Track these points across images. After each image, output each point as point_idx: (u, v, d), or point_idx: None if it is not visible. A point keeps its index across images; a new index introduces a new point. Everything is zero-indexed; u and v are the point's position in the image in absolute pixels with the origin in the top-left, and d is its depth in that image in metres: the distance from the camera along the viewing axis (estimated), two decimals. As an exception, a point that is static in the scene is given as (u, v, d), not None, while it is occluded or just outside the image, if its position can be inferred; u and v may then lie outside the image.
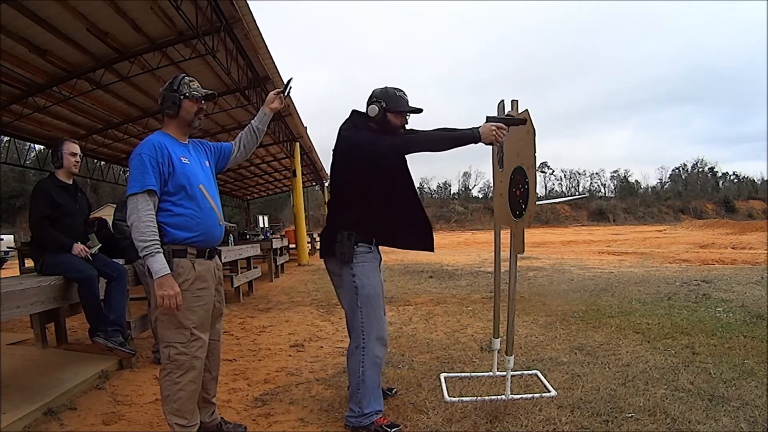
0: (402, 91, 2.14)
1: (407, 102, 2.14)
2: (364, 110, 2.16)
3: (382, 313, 2.15)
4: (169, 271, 1.75)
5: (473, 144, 1.96)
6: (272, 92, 2.13)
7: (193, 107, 1.93)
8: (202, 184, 1.91)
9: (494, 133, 1.94)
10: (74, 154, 2.85)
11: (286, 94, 2.10)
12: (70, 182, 2.88)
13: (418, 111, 2.17)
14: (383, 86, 2.15)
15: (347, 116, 2.23)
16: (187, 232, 1.84)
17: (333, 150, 2.21)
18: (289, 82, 2.11)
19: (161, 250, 1.75)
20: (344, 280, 2.13)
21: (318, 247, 19.74)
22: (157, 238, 1.75)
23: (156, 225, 1.76)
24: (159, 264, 1.73)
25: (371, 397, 2.08)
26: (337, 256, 2.08)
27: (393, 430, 2.05)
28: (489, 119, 1.99)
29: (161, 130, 1.95)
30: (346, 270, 2.10)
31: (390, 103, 2.09)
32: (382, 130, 2.11)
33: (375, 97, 2.12)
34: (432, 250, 2.23)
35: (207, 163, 2.03)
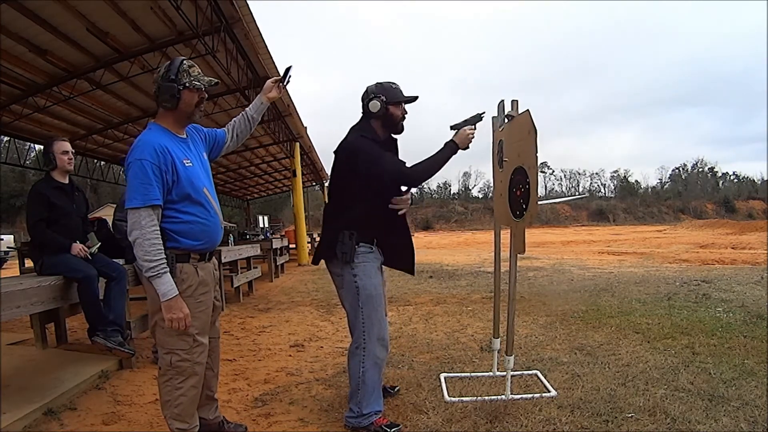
0: (395, 83, 2.17)
1: (402, 92, 2.17)
2: (360, 109, 2.18)
3: (384, 313, 2.15)
4: (178, 293, 1.68)
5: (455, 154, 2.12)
6: (270, 80, 2.00)
7: (194, 98, 1.77)
8: (206, 187, 1.83)
9: (470, 136, 2.10)
10: (66, 152, 2.79)
11: (285, 83, 1.98)
12: (66, 182, 2.85)
13: (414, 99, 2.19)
14: (375, 82, 2.16)
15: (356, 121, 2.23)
16: (193, 240, 1.77)
17: (335, 151, 2.19)
18: (288, 70, 1.97)
19: (168, 269, 1.67)
20: (345, 280, 2.12)
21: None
22: (164, 256, 1.66)
23: (161, 242, 1.66)
24: (167, 286, 1.65)
25: (371, 398, 2.08)
26: (338, 256, 2.07)
27: (392, 430, 2.05)
28: (453, 127, 2.15)
29: (157, 123, 1.78)
30: (347, 270, 2.09)
31: (389, 96, 2.12)
32: (386, 124, 2.15)
33: (372, 93, 2.12)
34: (413, 273, 2.29)
35: (205, 155, 1.93)
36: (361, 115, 2.20)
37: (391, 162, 2.08)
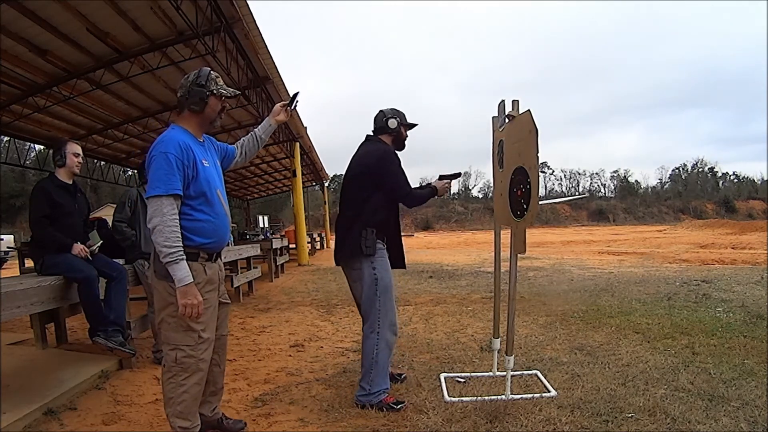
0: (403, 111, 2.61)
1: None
2: (372, 123, 2.55)
3: (394, 302, 2.42)
4: (192, 280, 1.72)
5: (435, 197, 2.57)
6: (278, 104, 2.15)
7: (218, 105, 1.90)
8: (219, 189, 1.90)
9: (446, 187, 2.57)
10: (77, 155, 2.84)
11: (292, 107, 2.15)
12: (71, 182, 2.87)
13: (415, 125, 2.64)
14: (390, 108, 2.57)
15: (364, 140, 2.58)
16: (204, 238, 1.82)
17: (353, 161, 2.47)
18: (295, 96, 2.14)
19: (185, 256, 1.71)
20: (364, 273, 2.36)
21: (325, 247, 19.91)
22: (181, 244, 1.71)
23: (180, 230, 1.73)
24: (183, 272, 1.70)
25: (381, 377, 2.33)
26: (363, 250, 2.32)
27: (398, 406, 2.27)
28: (441, 177, 2.61)
29: (180, 125, 1.87)
30: (367, 264, 2.35)
31: (403, 119, 2.56)
32: (396, 140, 2.55)
33: (390, 114, 2.53)
34: (404, 266, 2.62)
35: (219, 162, 2.02)
36: (373, 130, 2.56)
37: (404, 183, 2.44)
